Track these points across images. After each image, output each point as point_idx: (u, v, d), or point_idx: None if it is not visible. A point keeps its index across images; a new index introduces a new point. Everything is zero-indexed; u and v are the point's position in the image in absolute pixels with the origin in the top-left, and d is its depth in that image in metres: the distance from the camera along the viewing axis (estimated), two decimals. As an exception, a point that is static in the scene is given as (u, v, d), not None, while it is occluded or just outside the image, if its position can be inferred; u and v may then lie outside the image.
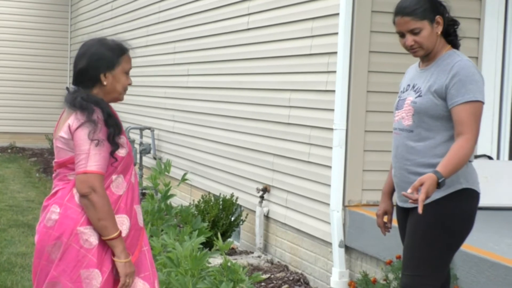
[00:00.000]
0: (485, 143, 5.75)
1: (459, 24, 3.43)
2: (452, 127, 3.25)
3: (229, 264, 3.64)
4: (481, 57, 5.74)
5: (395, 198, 3.53)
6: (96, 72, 3.10)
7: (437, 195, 3.25)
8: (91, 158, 2.96)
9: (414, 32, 3.31)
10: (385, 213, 3.62)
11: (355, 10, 5.47)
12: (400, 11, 3.35)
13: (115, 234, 3.00)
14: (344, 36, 5.46)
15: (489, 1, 5.74)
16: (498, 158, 5.82)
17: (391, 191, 3.60)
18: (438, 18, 3.32)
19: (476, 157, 5.74)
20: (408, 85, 3.43)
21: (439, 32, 3.33)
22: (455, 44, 3.41)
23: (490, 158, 5.77)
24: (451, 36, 3.40)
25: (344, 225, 5.51)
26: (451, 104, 3.22)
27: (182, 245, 3.99)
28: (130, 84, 3.18)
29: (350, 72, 5.49)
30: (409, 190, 3.10)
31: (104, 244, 3.02)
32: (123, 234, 3.06)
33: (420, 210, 3.04)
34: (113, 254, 3.03)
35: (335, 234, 5.49)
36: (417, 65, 3.47)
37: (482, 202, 5.53)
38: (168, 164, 4.81)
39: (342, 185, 5.52)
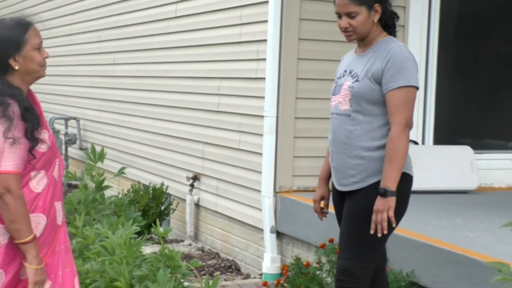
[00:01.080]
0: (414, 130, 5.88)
1: (399, 18, 3.49)
2: (384, 113, 3.33)
3: (166, 251, 3.64)
4: (406, 45, 5.87)
5: (331, 183, 3.59)
6: (3, 58, 2.85)
7: (373, 179, 3.32)
8: (6, 158, 2.76)
9: (350, 16, 3.34)
10: (322, 198, 3.66)
11: (284, -2, 5.51)
12: None
13: (28, 238, 2.80)
14: (274, 24, 5.51)
15: (414, -10, 5.88)
16: (423, 143, 5.98)
17: (328, 176, 3.65)
18: (377, 6, 3.36)
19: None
20: (345, 71, 3.47)
21: (376, 20, 3.37)
22: (393, 35, 3.45)
23: (415, 143, 5.93)
24: (390, 28, 3.44)
25: (275, 211, 5.57)
26: (386, 89, 3.28)
27: (115, 233, 3.97)
28: (47, 57, 2.93)
29: (280, 60, 5.54)
30: (372, 227, 3.24)
31: (15, 244, 2.83)
32: (38, 234, 2.86)
33: (379, 233, 3.23)
34: (25, 259, 2.82)
35: (267, 220, 5.55)
36: (354, 51, 3.53)
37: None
38: (102, 153, 4.76)
39: (273, 172, 5.57)
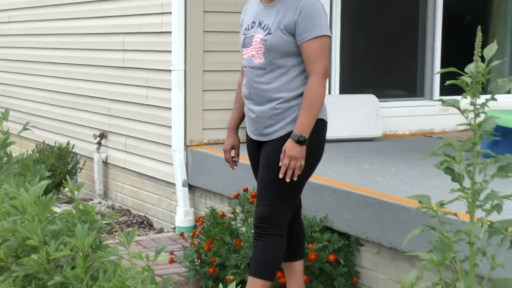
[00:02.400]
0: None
1: None
2: (303, 61, 3.34)
3: (80, 205, 3.58)
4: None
5: (245, 132, 3.60)
6: None
7: (289, 127, 3.34)
8: None
9: None
10: (233, 147, 3.68)
11: (188, -50, 5.44)
12: None
13: None
14: (178, -24, 5.44)
15: None
16: (329, 93, 6.08)
17: (237, 126, 3.67)
18: None
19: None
20: (253, 22, 3.44)
21: None
22: None
23: (322, 93, 6.00)
24: None
25: (186, 164, 5.56)
26: (301, 40, 3.28)
27: (28, 191, 3.87)
28: None
29: (186, 13, 5.48)
30: (282, 171, 3.25)
31: None
32: None
33: (287, 178, 3.24)
34: None
35: (178, 174, 5.54)
36: (259, 1, 3.49)
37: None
38: (6, 112, 4.62)
39: (183, 126, 5.55)
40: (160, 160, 5.87)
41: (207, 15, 5.52)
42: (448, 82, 2.23)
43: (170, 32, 5.57)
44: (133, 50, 6.16)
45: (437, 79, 6.40)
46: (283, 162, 3.27)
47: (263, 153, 3.45)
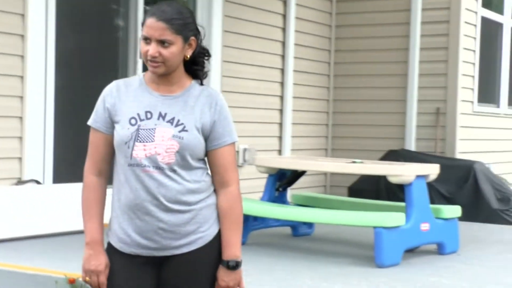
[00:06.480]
0: (34, 168, 5.55)
1: (210, 56, 3.01)
2: (204, 165, 2.87)
3: None
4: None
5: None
6: None
7: (215, 229, 2.86)
8: None
9: (163, 44, 2.73)
10: (106, 266, 2.88)
11: None
12: (157, 14, 2.72)
13: None
14: None
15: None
16: (44, 182, 5.67)
17: (103, 239, 2.91)
18: (193, 40, 2.79)
19: (23, 182, 5.49)
20: (149, 113, 2.79)
21: (188, 56, 2.80)
22: (198, 76, 2.88)
23: (38, 182, 5.57)
24: (198, 65, 2.87)
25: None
26: (218, 145, 2.85)
27: None
28: None
29: None
30: None
31: None
32: None
33: None
34: None
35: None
36: (145, 87, 2.86)
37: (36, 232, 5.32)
38: None
39: None
40: None
41: None
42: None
43: None
44: None
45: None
46: None
47: (179, 270, 2.83)
